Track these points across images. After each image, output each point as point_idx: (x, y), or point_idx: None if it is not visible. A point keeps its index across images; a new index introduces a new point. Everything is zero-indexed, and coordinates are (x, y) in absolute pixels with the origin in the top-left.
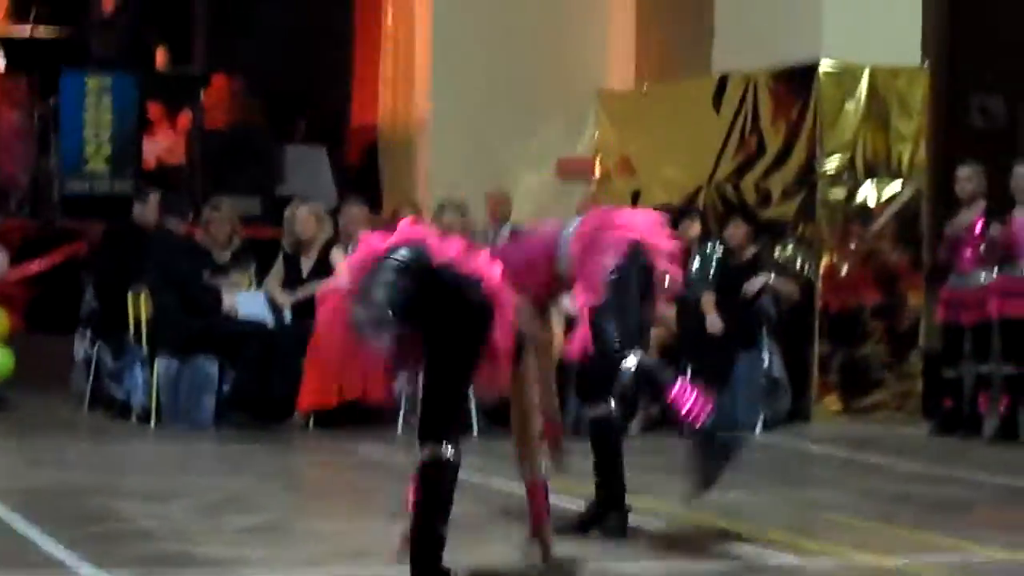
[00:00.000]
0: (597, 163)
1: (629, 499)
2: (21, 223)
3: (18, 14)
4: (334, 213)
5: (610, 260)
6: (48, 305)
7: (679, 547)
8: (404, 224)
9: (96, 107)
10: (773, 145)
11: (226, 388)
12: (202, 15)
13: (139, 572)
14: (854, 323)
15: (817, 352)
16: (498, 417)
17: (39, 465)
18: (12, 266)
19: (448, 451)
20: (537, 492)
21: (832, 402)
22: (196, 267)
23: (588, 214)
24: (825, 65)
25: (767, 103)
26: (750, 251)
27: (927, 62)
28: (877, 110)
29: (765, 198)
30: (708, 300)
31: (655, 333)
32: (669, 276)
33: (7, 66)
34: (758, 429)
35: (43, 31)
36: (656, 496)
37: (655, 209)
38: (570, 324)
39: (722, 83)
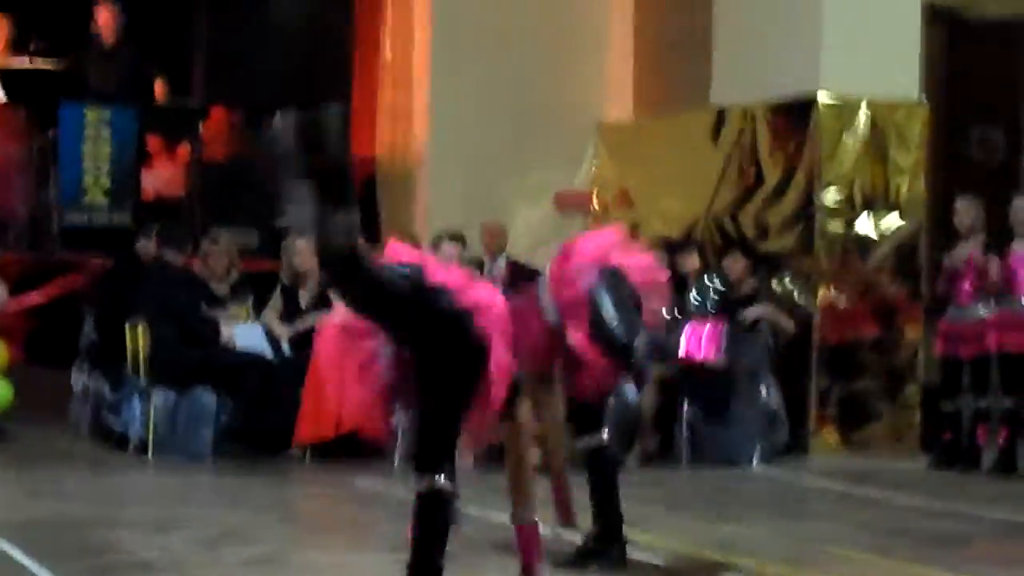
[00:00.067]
0: (595, 196)
1: (627, 532)
2: (20, 255)
3: (17, 46)
4: None
5: (584, 281)
6: (47, 337)
7: None
8: (403, 248)
9: (95, 139)
10: (771, 178)
11: (224, 420)
12: (201, 48)
13: None
14: (852, 356)
15: (815, 385)
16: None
17: (38, 496)
18: (11, 298)
19: (443, 482)
20: (529, 535)
21: (830, 435)
22: (194, 299)
23: (553, 258)
24: (823, 98)
25: (765, 136)
26: (749, 284)
27: (925, 96)
28: (875, 143)
29: (763, 231)
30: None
31: (655, 366)
32: (649, 284)
33: (6, 98)
34: (755, 462)
35: (42, 63)
36: (654, 529)
37: (654, 241)
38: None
39: (720, 116)
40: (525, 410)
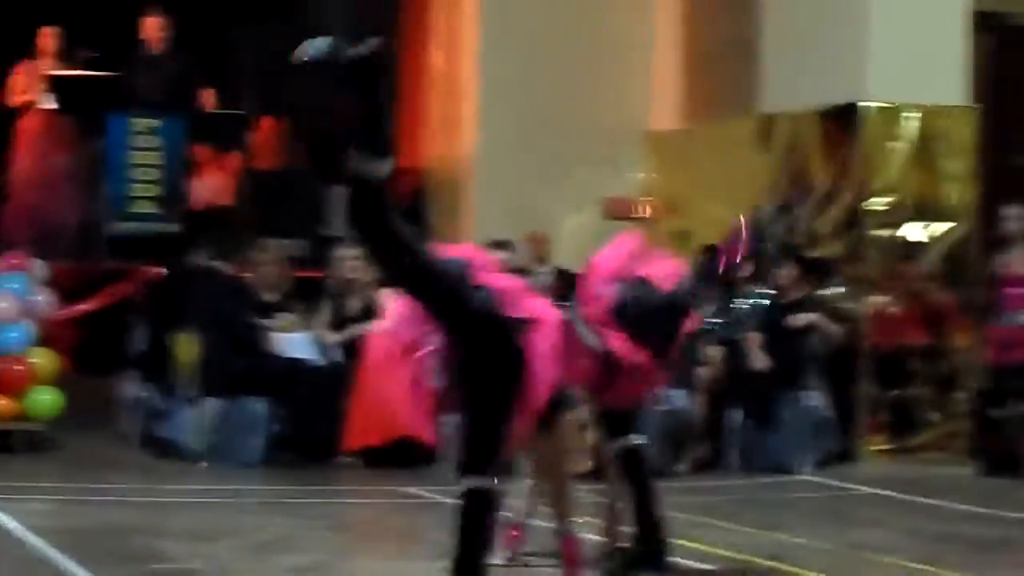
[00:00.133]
0: (643, 203)
1: (677, 539)
2: (69, 265)
3: (66, 56)
4: None
5: (606, 298)
6: (95, 346)
7: None
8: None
9: (143, 148)
10: (820, 185)
11: (273, 428)
12: (249, 57)
13: None
14: (901, 363)
15: (865, 392)
16: None
17: (86, 504)
18: (60, 307)
19: (489, 482)
20: (572, 547)
21: (879, 442)
22: (243, 308)
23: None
24: (871, 105)
25: (814, 143)
26: (798, 292)
27: (974, 102)
28: (924, 150)
29: (812, 238)
30: (754, 340)
31: (704, 373)
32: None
33: (56, 107)
34: (805, 469)
35: (91, 73)
36: (704, 537)
37: (702, 249)
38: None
39: (769, 123)
40: (568, 424)
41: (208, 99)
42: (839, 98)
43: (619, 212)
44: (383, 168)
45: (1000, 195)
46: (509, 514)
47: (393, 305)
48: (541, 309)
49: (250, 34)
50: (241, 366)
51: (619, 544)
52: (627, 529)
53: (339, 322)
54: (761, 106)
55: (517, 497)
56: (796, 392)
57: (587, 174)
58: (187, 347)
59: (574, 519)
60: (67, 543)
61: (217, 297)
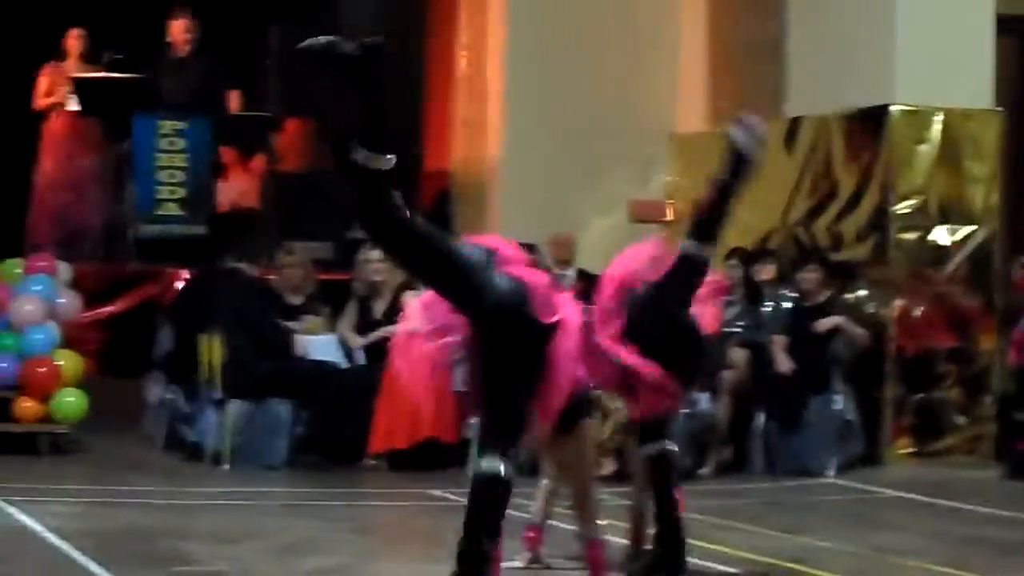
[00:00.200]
0: (670, 206)
1: (697, 540)
2: (95, 266)
3: (92, 58)
4: None
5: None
6: (120, 348)
7: None
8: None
9: (169, 150)
10: (846, 188)
11: (298, 430)
12: (275, 59)
13: None
14: (927, 366)
15: (890, 395)
16: None
17: (111, 506)
18: (86, 309)
19: (501, 467)
20: (596, 551)
21: (905, 445)
22: (268, 310)
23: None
24: (897, 108)
25: (840, 146)
26: (823, 295)
27: (999, 105)
28: (950, 153)
29: (838, 241)
30: (779, 343)
31: (728, 376)
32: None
33: (81, 109)
34: (830, 472)
35: (116, 74)
36: (729, 539)
37: (730, 252)
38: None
39: (795, 125)
40: (591, 428)
41: (234, 101)
42: (865, 101)
43: (645, 215)
44: (385, 161)
45: None
46: (528, 515)
47: (416, 300)
48: (565, 305)
49: (275, 36)
50: (266, 368)
51: (643, 548)
52: (651, 532)
53: (364, 325)
54: (787, 109)
55: (537, 498)
56: (821, 395)
57: (613, 177)
58: (212, 349)
59: (598, 522)
60: (91, 545)
61: (242, 299)
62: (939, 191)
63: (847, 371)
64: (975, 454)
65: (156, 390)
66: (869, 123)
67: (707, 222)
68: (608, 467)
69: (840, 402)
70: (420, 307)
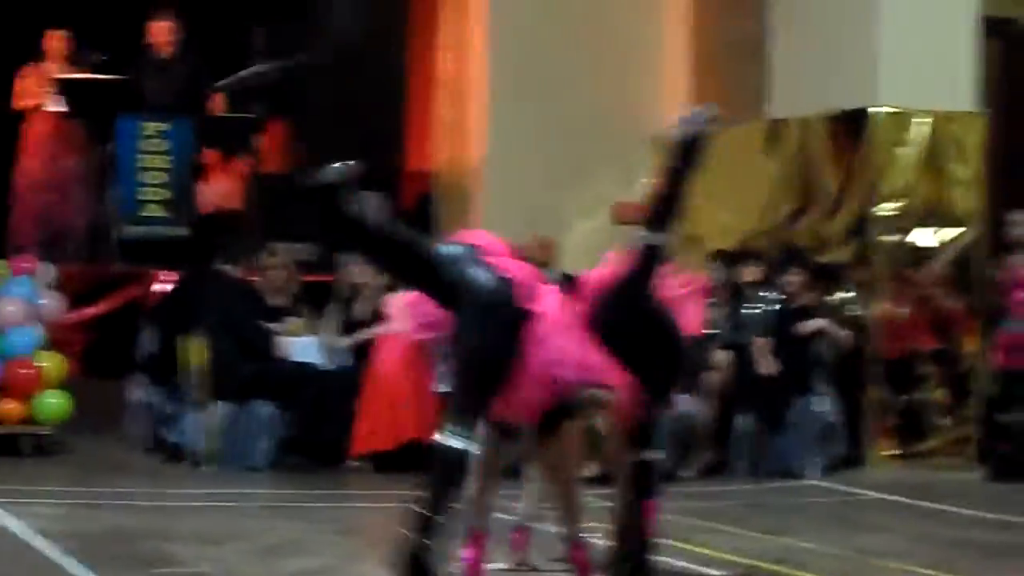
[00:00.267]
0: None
1: (680, 543)
2: (78, 268)
3: (75, 59)
4: None
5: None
6: (104, 350)
7: None
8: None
9: (152, 152)
10: (828, 190)
11: (281, 432)
12: (258, 61)
13: None
14: (910, 368)
15: (873, 397)
16: None
17: (94, 508)
18: (68, 311)
19: (458, 441)
20: (580, 552)
21: (888, 447)
22: (251, 312)
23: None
24: (880, 110)
25: (822, 148)
26: (806, 297)
27: (982, 108)
28: (933, 155)
29: (821, 243)
30: (762, 345)
31: (711, 377)
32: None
33: (64, 110)
34: (813, 473)
35: (99, 76)
36: (711, 541)
37: (713, 254)
38: None
39: (777, 128)
40: (575, 431)
41: (217, 103)
42: (848, 103)
43: (628, 217)
44: (337, 172)
45: (1009, 200)
46: (515, 517)
47: (400, 300)
48: (548, 297)
49: (259, 37)
50: (249, 370)
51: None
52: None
53: (348, 326)
54: (770, 111)
55: (523, 500)
56: (804, 397)
57: (596, 178)
58: (196, 351)
59: (583, 525)
60: (75, 547)
61: (226, 301)
62: (922, 193)
63: (830, 373)
64: (958, 456)
65: (139, 392)
66: (852, 125)
67: (661, 211)
68: (592, 469)
69: (823, 404)
70: (405, 306)
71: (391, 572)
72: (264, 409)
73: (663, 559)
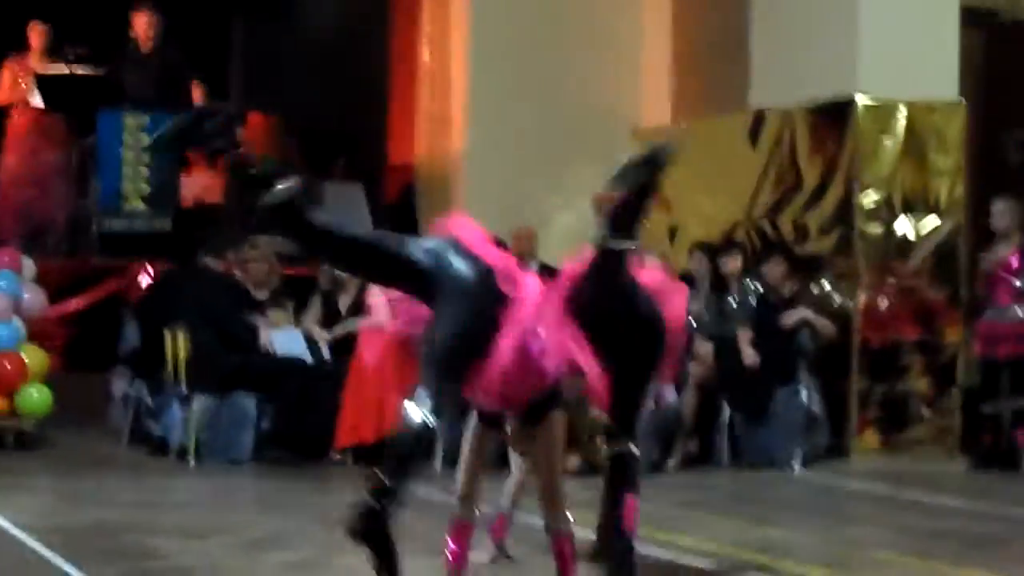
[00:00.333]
0: None
1: (663, 533)
2: (59, 262)
3: (55, 53)
4: None
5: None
6: (85, 343)
7: None
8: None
9: (133, 146)
10: (810, 180)
11: (264, 425)
12: (239, 53)
13: None
14: (893, 358)
15: (856, 387)
16: None
17: (77, 502)
18: (50, 305)
19: (424, 419)
20: (563, 544)
21: (871, 437)
22: (234, 304)
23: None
24: (862, 100)
25: (804, 139)
26: (788, 288)
27: (963, 98)
28: (914, 145)
29: (802, 234)
30: (745, 336)
31: (694, 369)
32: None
33: (45, 104)
34: (796, 464)
35: (80, 70)
36: (694, 532)
37: (695, 245)
38: None
39: (759, 119)
40: (559, 421)
41: (198, 95)
42: (830, 93)
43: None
44: (285, 191)
45: (990, 190)
46: (498, 507)
47: (382, 294)
48: (528, 283)
49: (239, 31)
50: (231, 363)
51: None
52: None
53: (330, 319)
54: (751, 102)
55: (505, 489)
56: (787, 387)
57: (577, 171)
58: (177, 344)
59: (566, 516)
60: (58, 541)
61: (208, 294)
62: (904, 183)
63: (813, 363)
64: (941, 446)
65: (121, 385)
66: (834, 115)
67: (621, 217)
68: (575, 460)
69: (806, 394)
70: (387, 300)
71: (345, 534)
72: (247, 402)
73: (645, 550)
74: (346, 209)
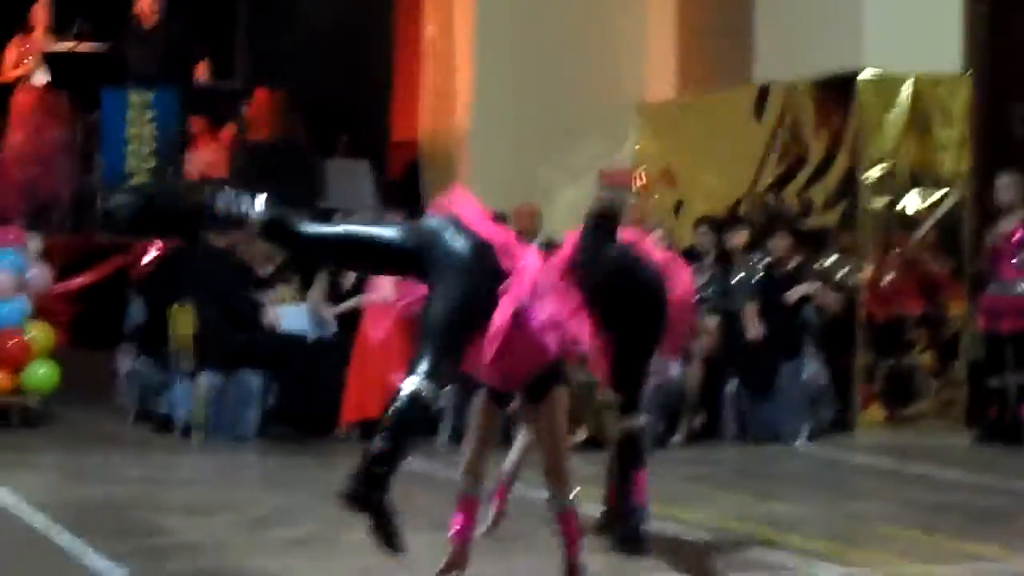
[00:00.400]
0: (639, 175)
1: (669, 508)
2: (64, 238)
3: (59, 30)
4: None
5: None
6: (91, 320)
7: (724, 558)
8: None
9: (138, 122)
10: (815, 155)
11: (269, 401)
12: (244, 28)
13: None
14: (897, 332)
15: (860, 361)
16: None
17: (83, 479)
18: (55, 281)
19: (424, 387)
20: (568, 520)
21: (875, 412)
22: (239, 281)
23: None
24: (866, 74)
25: (809, 112)
26: (794, 262)
27: (968, 70)
28: (919, 119)
29: (807, 208)
30: (750, 310)
31: (699, 343)
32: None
33: (49, 82)
34: (801, 438)
35: (84, 46)
36: (700, 506)
37: (700, 219)
38: None
39: (763, 93)
40: (562, 396)
41: (202, 71)
42: (834, 67)
43: (615, 183)
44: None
45: (995, 163)
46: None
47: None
48: (527, 255)
49: (243, 5)
50: (237, 340)
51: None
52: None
53: (335, 295)
54: (756, 76)
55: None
56: (792, 362)
57: (582, 146)
58: (183, 321)
59: (571, 491)
60: (64, 517)
61: (213, 271)
62: (908, 157)
63: (818, 337)
64: (946, 420)
65: (127, 362)
66: (838, 89)
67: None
68: (582, 434)
69: (811, 369)
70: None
71: (341, 501)
72: (252, 379)
73: (652, 524)
74: (351, 185)
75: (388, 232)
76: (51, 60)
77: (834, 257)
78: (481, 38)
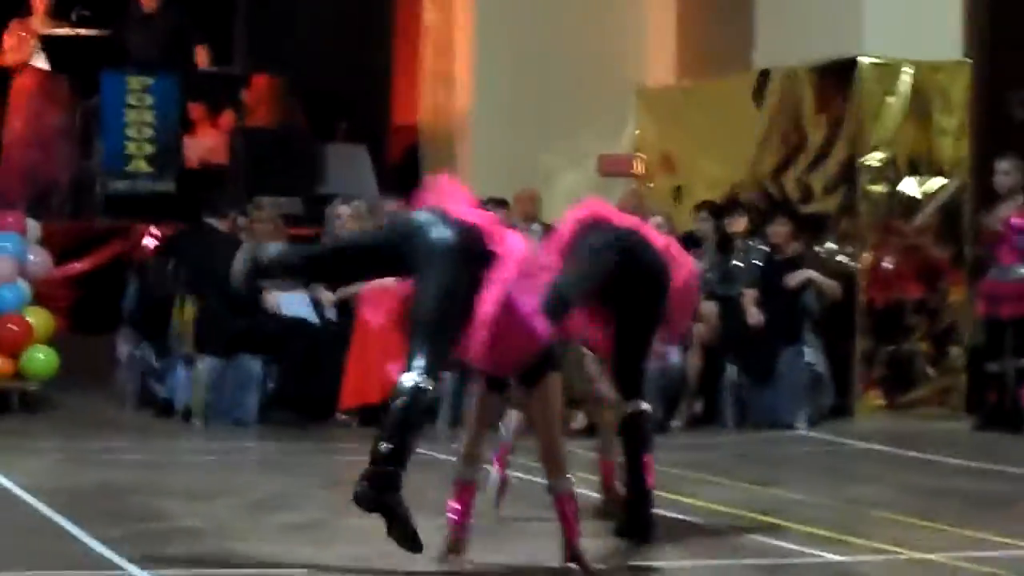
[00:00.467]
0: (638, 160)
1: (669, 494)
2: (63, 223)
3: (59, 14)
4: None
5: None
6: (91, 305)
7: (724, 543)
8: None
9: (137, 107)
10: (815, 140)
11: (269, 386)
12: (243, 14)
13: (184, 571)
14: (897, 318)
15: (860, 347)
16: None
17: (83, 464)
18: (55, 266)
19: (420, 380)
20: (566, 504)
21: (875, 397)
22: None
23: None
24: (866, 60)
25: (809, 98)
26: (793, 248)
27: (968, 57)
28: (919, 105)
29: (807, 194)
30: (750, 296)
31: (699, 329)
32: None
33: (49, 66)
34: (800, 424)
35: (84, 31)
36: (699, 492)
37: (700, 205)
38: None
39: (763, 78)
40: (556, 382)
41: (202, 57)
42: (834, 53)
43: (614, 169)
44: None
45: (994, 149)
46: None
47: None
48: (512, 239)
49: None
50: (237, 325)
51: (615, 500)
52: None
53: None
54: (756, 62)
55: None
56: (791, 347)
57: (582, 131)
58: (183, 306)
59: (567, 476)
60: (64, 502)
61: (212, 255)
62: (908, 143)
63: (817, 323)
64: (945, 406)
65: (127, 347)
66: (838, 75)
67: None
68: (580, 420)
69: (810, 354)
70: None
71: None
72: (252, 363)
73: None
74: (350, 171)
75: (373, 236)
76: (51, 44)
77: (833, 243)
78: (481, 23)
